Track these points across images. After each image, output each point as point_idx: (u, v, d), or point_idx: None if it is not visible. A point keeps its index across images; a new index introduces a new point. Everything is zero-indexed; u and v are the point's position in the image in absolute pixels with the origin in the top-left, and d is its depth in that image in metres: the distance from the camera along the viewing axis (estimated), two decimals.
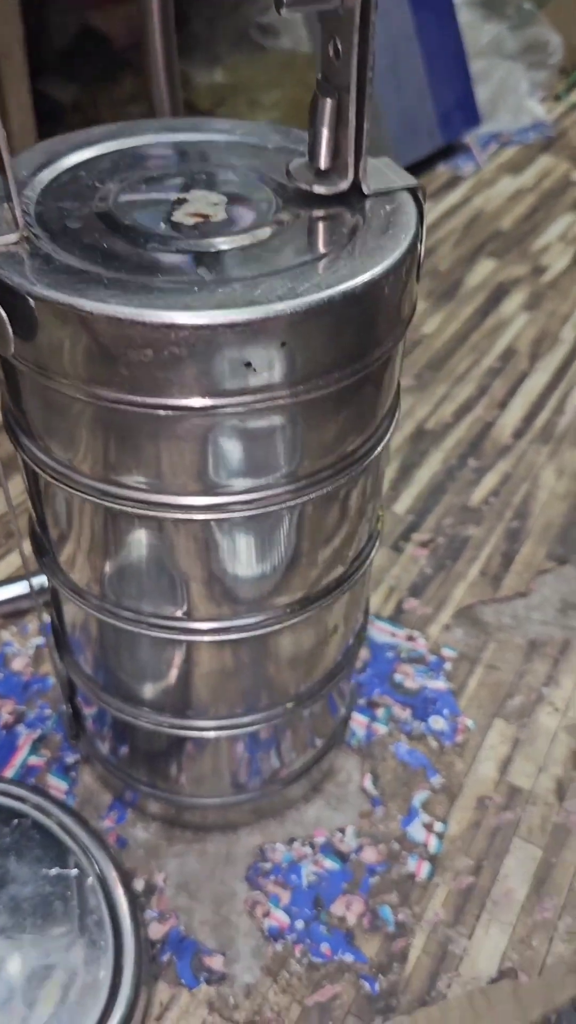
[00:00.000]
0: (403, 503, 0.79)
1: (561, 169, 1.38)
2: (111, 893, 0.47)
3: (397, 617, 0.69)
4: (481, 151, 1.41)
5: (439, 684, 0.65)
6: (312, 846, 0.56)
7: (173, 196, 0.39)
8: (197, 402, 0.34)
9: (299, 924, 0.52)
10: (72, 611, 0.48)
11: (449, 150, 1.40)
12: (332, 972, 0.51)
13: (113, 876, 0.48)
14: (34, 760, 0.58)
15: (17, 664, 0.64)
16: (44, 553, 0.46)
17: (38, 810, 0.50)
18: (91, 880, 0.47)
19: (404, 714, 0.63)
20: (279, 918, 0.53)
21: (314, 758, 0.57)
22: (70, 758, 0.59)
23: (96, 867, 0.48)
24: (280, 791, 0.56)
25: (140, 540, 0.40)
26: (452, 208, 1.26)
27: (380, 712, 0.63)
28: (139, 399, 0.34)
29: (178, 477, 0.37)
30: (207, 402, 0.34)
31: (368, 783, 0.59)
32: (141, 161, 0.42)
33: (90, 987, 0.44)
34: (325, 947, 0.52)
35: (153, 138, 0.44)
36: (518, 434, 0.87)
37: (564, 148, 1.44)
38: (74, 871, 0.47)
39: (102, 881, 0.47)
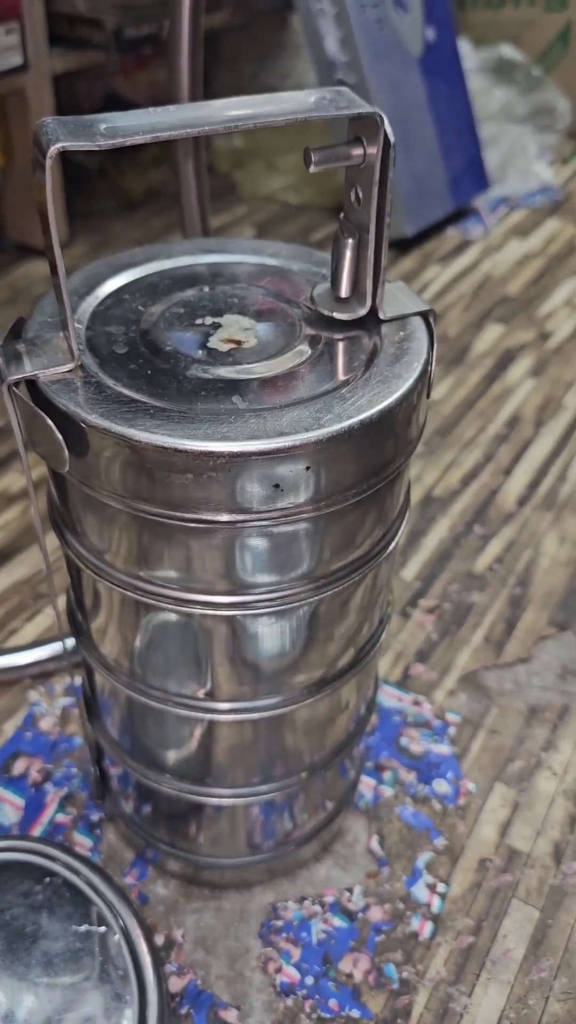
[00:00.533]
0: (411, 569, 0.83)
1: (567, 233, 1.43)
2: (135, 949, 0.50)
3: (404, 682, 0.73)
4: (490, 214, 1.47)
5: (443, 748, 0.68)
6: (322, 905, 0.59)
7: (208, 321, 0.44)
8: (229, 517, 0.38)
9: (309, 980, 0.56)
10: (103, 684, 0.52)
11: (459, 214, 1.45)
12: None
13: (137, 933, 0.51)
14: (61, 817, 0.62)
15: (45, 724, 0.68)
16: (81, 632, 0.50)
17: (68, 869, 0.53)
18: (117, 936, 0.51)
19: (409, 777, 0.66)
20: (290, 974, 0.56)
21: (325, 820, 0.60)
22: (95, 816, 0.62)
23: (121, 923, 0.51)
24: (293, 852, 0.59)
25: (168, 629, 0.44)
26: (461, 273, 1.31)
27: (387, 775, 0.66)
28: (177, 514, 0.38)
29: (206, 577, 0.41)
30: (238, 517, 0.38)
31: (375, 844, 0.63)
32: (178, 283, 0.46)
33: None
34: (333, 1003, 0.55)
35: (188, 260, 0.48)
36: (522, 501, 0.91)
37: (570, 212, 1.50)
38: (101, 928, 0.51)
39: (127, 937, 0.51)
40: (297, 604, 0.42)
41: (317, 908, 0.59)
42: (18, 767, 0.65)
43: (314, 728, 0.51)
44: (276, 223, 1.42)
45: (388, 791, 0.66)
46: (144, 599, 0.42)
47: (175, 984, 0.55)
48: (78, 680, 0.69)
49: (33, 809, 0.63)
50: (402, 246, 1.36)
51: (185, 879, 0.60)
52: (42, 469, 0.89)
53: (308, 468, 0.37)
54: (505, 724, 0.71)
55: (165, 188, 1.43)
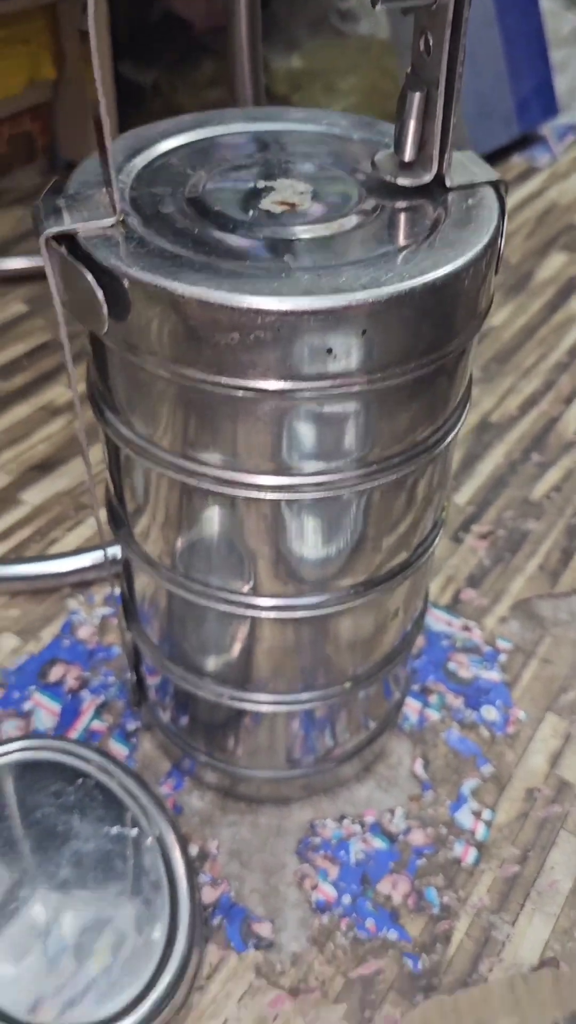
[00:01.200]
0: (464, 494, 0.79)
1: None
2: (169, 855, 0.49)
3: (454, 606, 0.70)
4: (558, 143, 1.40)
5: (493, 675, 0.66)
6: (362, 824, 0.57)
7: (261, 184, 0.40)
8: (277, 385, 0.35)
9: (346, 899, 0.54)
10: (143, 582, 0.49)
11: (525, 140, 1.38)
12: (376, 948, 0.52)
13: (171, 839, 0.49)
14: (97, 725, 0.61)
15: (83, 633, 0.66)
16: (120, 525, 0.48)
17: (101, 771, 0.52)
18: (150, 841, 0.49)
19: (457, 702, 0.64)
20: (327, 892, 0.54)
21: (367, 739, 0.58)
22: (131, 725, 0.61)
23: (155, 828, 0.50)
24: (332, 769, 0.57)
25: (213, 516, 0.42)
26: (526, 199, 1.25)
27: (433, 699, 0.64)
28: (222, 380, 0.35)
29: (252, 456, 0.38)
30: (286, 385, 0.35)
31: (419, 767, 0.60)
32: (229, 149, 0.43)
33: (144, 946, 0.46)
34: (370, 923, 0.53)
35: (241, 127, 0.45)
36: None
37: None
38: (134, 831, 0.49)
39: (161, 843, 0.49)
40: (346, 491, 0.40)
41: (357, 828, 0.57)
42: (55, 673, 0.64)
43: (359, 635, 0.49)
44: None
45: (434, 715, 0.63)
46: (186, 480, 0.40)
47: (208, 895, 0.53)
48: (118, 589, 0.67)
49: (69, 715, 0.61)
50: None
51: (222, 791, 0.58)
52: (83, 386, 0.88)
53: (364, 332, 0.34)
54: (559, 654, 0.68)
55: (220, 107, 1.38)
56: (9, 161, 1.19)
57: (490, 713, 0.63)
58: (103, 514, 0.72)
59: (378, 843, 0.56)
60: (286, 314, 0.33)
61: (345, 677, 0.51)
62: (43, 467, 0.79)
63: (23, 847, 0.48)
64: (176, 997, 0.45)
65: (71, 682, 0.63)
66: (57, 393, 0.88)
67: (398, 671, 0.56)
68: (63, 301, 0.38)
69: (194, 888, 0.49)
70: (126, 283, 0.35)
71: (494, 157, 1.33)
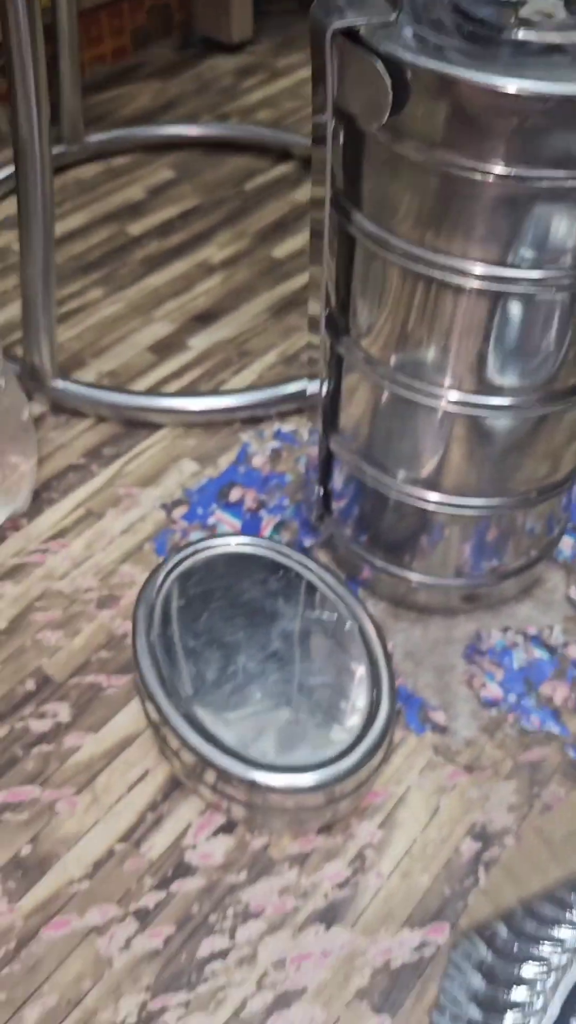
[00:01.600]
0: None
1: None
2: (367, 635, 0.54)
3: None
4: None
5: None
6: (524, 636, 0.62)
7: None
8: (538, 172, 0.39)
9: (512, 697, 0.59)
10: (356, 386, 0.53)
11: None
12: (541, 739, 0.57)
13: (369, 623, 0.55)
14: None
15: (256, 462, 0.71)
16: (341, 333, 0.52)
17: (301, 565, 0.57)
18: (349, 624, 0.54)
19: None
20: (494, 690, 0.59)
21: (527, 564, 0.62)
22: (308, 541, 0.66)
23: (353, 614, 0.55)
24: (495, 584, 0.61)
25: (436, 308, 0.46)
26: None
27: None
28: (488, 166, 0.39)
29: (491, 247, 0.42)
30: (552, 173, 0.39)
31: (574, 592, 0.65)
32: None
33: (349, 710, 0.51)
34: (535, 718, 0.58)
35: None
36: None
37: None
38: (334, 615, 0.55)
39: (359, 626, 0.54)
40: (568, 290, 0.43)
41: (519, 638, 0.62)
42: (234, 495, 0.69)
43: (548, 447, 0.52)
44: None
45: None
46: (418, 269, 0.44)
47: None
48: (288, 427, 0.72)
49: (250, 531, 0.66)
50: None
51: (394, 602, 0.63)
52: (236, 246, 0.91)
53: None
54: None
55: None
56: (147, 33, 1.20)
57: None
58: (260, 363, 0.76)
59: (538, 653, 0.61)
60: (566, 98, 0.36)
61: (526, 488, 0.55)
62: (204, 317, 0.84)
63: (238, 623, 0.54)
64: (375, 758, 0.51)
65: (249, 503, 0.68)
66: (211, 252, 0.91)
67: (559, 507, 0.60)
68: (334, 100, 0.41)
69: (391, 667, 0.54)
70: (409, 73, 0.38)
71: None
